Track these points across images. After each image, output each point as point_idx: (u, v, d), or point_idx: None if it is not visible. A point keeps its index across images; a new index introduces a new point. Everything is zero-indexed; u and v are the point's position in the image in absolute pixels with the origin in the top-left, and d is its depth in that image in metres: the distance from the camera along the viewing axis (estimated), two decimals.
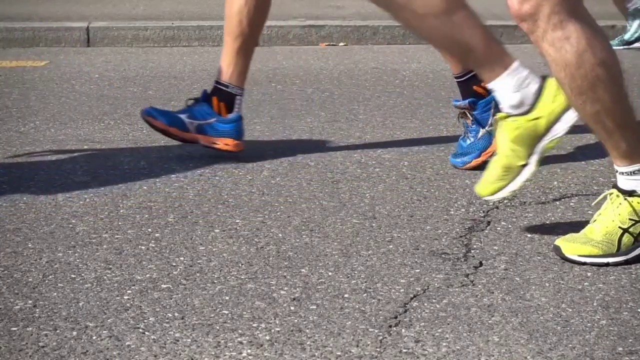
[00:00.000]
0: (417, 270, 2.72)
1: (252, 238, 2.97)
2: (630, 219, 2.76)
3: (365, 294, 2.56)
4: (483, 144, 3.65)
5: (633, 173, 2.76)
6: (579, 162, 3.76)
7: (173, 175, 3.61)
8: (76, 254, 2.83)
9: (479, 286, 2.62)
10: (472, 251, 2.86)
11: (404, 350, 2.26)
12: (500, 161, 2.88)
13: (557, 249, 2.77)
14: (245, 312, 2.45)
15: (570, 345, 2.29)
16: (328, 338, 2.32)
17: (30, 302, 2.51)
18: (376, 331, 2.36)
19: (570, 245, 2.76)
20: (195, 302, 2.51)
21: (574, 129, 4.10)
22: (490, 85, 2.88)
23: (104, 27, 6.77)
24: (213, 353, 2.25)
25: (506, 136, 2.87)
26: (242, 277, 2.67)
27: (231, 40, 3.79)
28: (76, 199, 3.33)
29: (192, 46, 6.62)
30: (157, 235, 2.99)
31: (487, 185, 2.90)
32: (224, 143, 3.75)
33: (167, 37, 6.59)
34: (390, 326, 2.38)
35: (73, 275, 2.68)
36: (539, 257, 2.82)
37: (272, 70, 5.68)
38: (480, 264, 2.77)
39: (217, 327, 2.37)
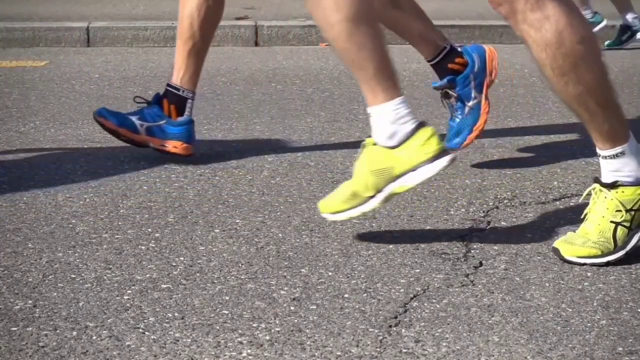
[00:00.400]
0: (417, 270, 2.72)
1: (252, 238, 2.96)
2: (617, 211, 2.76)
3: (365, 294, 2.56)
4: (472, 118, 3.65)
5: (616, 156, 2.75)
6: (579, 162, 3.76)
7: (173, 175, 3.61)
8: (76, 254, 2.83)
9: (479, 286, 2.62)
10: (472, 251, 2.86)
11: (404, 350, 2.26)
12: (351, 185, 2.86)
13: (556, 251, 2.77)
14: (245, 312, 2.45)
15: (570, 345, 2.29)
16: (328, 338, 2.32)
17: (30, 302, 2.51)
18: (376, 331, 2.36)
19: (569, 247, 2.75)
20: (195, 302, 2.51)
21: (574, 128, 4.11)
22: (369, 109, 2.85)
23: (104, 27, 6.77)
24: (213, 353, 2.25)
25: (366, 163, 2.84)
26: (242, 277, 2.67)
27: (182, 44, 3.78)
28: (76, 199, 3.33)
29: None
30: (157, 235, 2.99)
31: (332, 202, 2.88)
32: (173, 145, 3.73)
33: (167, 37, 6.58)
34: (390, 326, 2.38)
35: (73, 275, 2.68)
36: (539, 257, 2.82)
37: (272, 70, 5.67)
38: (480, 264, 2.77)
39: (217, 327, 2.37)
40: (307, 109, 4.71)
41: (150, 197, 3.36)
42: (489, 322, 2.41)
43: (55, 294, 2.56)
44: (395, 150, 2.80)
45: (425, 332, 2.36)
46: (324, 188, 3.45)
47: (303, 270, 2.72)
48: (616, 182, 2.76)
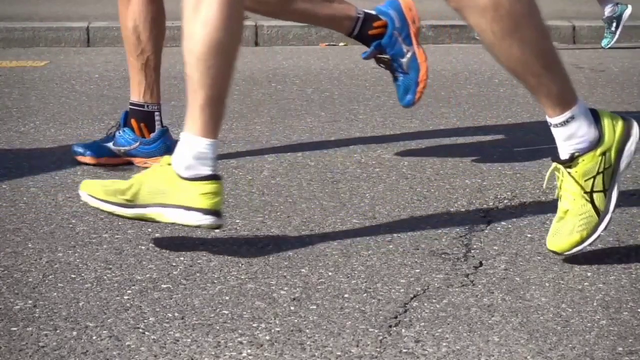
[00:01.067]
0: (417, 270, 2.72)
1: (252, 238, 2.97)
2: (586, 181, 2.72)
3: (365, 294, 2.56)
4: (414, 72, 3.64)
5: (567, 122, 2.70)
6: None
7: None
8: (76, 254, 2.83)
9: (479, 286, 2.62)
10: (472, 251, 2.86)
11: (404, 350, 2.26)
12: (137, 181, 2.81)
13: (552, 252, 2.77)
14: (245, 312, 2.45)
15: (570, 345, 2.29)
16: (328, 338, 2.32)
17: (30, 302, 2.51)
18: (376, 331, 2.36)
19: (560, 242, 2.73)
20: (195, 302, 2.51)
21: None
22: (183, 133, 2.79)
23: (104, 27, 6.76)
24: (213, 353, 2.25)
25: (151, 175, 2.82)
26: (242, 277, 2.67)
27: (134, 60, 3.74)
28: (76, 199, 3.33)
29: None
30: (157, 235, 2.99)
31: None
32: (155, 162, 3.70)
33: (167, 37, 6.58)
34: (390, 326, 2.38)
35: (73, 275, 2.68)
36: (539, 257, 2.82)
37: (272, 70, 5.68)
38: (480, 264, 2.77)
39: (217, 327, 2.37)
40: (307, 109, 4.71)
41: None
42: (489, 322, 2.41)
43: (55, 294, 2.56)
44: (182, 181, 2.76)
45: (425, 332, 2.36)
46: (324, 188, 3.45)
47: (303, 270, 2.72)
48: (573, 154, 2.71)
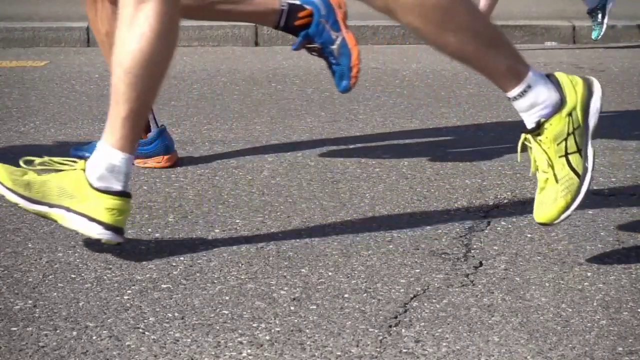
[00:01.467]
0: (417, 270, 2.72)
1: (252, 238, 2.97)
2: (558, 145, 2.68)
3: (365, 294, 2.56)
4: (346, 58, 3.62)
5: (525, 92, 2.66)
6: None
7: (173, 175, 3.61)
8: (76, 254, 2.83)
9: (479, 286, 2.62)
10: (472, 251, 2.86)
11: (404, 350, 2.26)
12: (53, 179, 2.79)
13: (541, 224, 2.72)
14: (245, 312, 2.45)
15: (570, 345, 2.29)
16: (328, 338, 2.32)
17: (30, 302, 2.51)
18: (376, 331, 2.36)
19: (547, 211, 2.69)
20: (195, 302, 2.51)
21: None
22: (101, 143, 2.77)
23: None
24: (213, 353, 2.25)
25: (66, 177, 2.79)
26: (242, 277, 2.68)
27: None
28: None
29: (192, 46, 6.62)
30: (157, 235, 2.99)
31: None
32: (155, 162, 3.71)
33: None
34: (390, 326, 2.38)
35: (73, 275, 2.68)
36: (539, 257, 2.82)
37: (272, 70, 5.68)
38: (480, 264, 2.77)
39: (217, 327, 2.37)
40: (307, 109, 4.71)
41: (151, 197, 3.36)
42: (489, 322, 2.41)
43: (55, 294, 2.56)
44: (92, 190, 2.74)
45: (425, 332, 2.36)
46: (324, 188, 3.45)
47: (303, 270, 2.72)
48: (539, 121, 2.68)
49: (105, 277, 2.67)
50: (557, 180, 2.68)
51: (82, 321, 2.40)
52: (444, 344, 2.30)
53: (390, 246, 2.90)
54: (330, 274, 2.70)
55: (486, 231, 3.03)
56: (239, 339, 2.31)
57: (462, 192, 3.41)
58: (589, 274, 2.71)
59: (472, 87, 5.23)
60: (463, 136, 4.23)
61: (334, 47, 3.62)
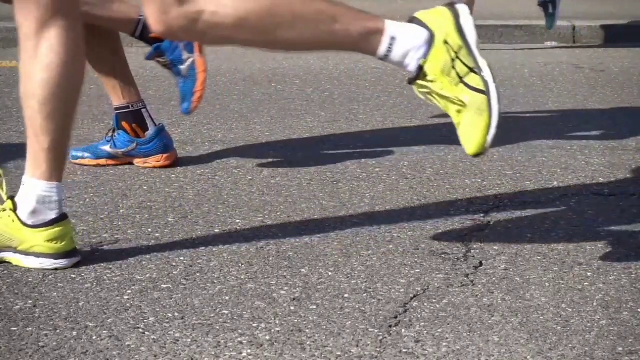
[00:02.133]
0: (417, 270, 2.72)
1: (252, 238, 2.97)
2: (449, 75, 2.56)
3: (365, 294, 2.56)
4: (192, 81, 3.64)
5: (391, 45, 2.55)
6: (579, 162, 3.77)
7: (173, 175, 3.61)
8: None
9: (479, 286, 2.62)
10: (472, 251, 2.86)
11: (404, 350, 2.26)
12: None
13: (475, 156, 2.64)
14: (245, 312, 2.45)
15: (570, 345, 2.29)
16: (328, 338, 2.32)
17: (30, 302, 2.51)
18: (376, 331, 2.36)
19: (473, 139, 2.60)
20: (195, 302, 2.51)
21: (574, 129, 4.12)
22: (25, 177, 2.72)
23: None
24: (213, 353, 2.25)
25: None
26: (242, 277, 2.68)
27: (100, 67, 3.74)
28: (76, 199, 3.34)
29: None
30: (157, 235, 2.99)
31: None
32: (155, 160, 3.71)
33: None
34: (390, 326, 2.38)
35: (73, 275, 2.68)
36: (539, 257, 2.82)
37: (272, 70, 5.68)
38: (480, 264, 2.77)
39: (217, 327, 2.37)
40: (307, 109, 4.71)
41: (150, 197, 3.36)
42: (489, 322, 2.41)
43: (55, 294, 2.56)
44: (26, 229, 2.71)
45: (425, 332, 2.36)
46: (324, 188, 3.45)
47: (303, 270, 2.72)
48: (420, 65, 2.57)
49: (105, 277, 2.67)
50: (466, 107, 2.58)
51: (82, 321, 2.40)
52: (444, 344, 2.30)
53: (390, 246, 2.90)
54: (330, 274, 2.70)
55: (486, 231, 3.04)
56: (239, 339, 2.31)
57: (462, 192, 3.41)
58: (589, 274, 2.71)
59: None
60: None
61: (183, 67, 3.65)
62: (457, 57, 2.58)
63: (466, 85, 2.58)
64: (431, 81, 2.58)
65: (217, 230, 3.03)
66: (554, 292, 2.58)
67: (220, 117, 4.54)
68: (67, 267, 2.72)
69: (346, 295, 2.56)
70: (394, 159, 3.82)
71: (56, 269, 2.71)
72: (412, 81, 2.61)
